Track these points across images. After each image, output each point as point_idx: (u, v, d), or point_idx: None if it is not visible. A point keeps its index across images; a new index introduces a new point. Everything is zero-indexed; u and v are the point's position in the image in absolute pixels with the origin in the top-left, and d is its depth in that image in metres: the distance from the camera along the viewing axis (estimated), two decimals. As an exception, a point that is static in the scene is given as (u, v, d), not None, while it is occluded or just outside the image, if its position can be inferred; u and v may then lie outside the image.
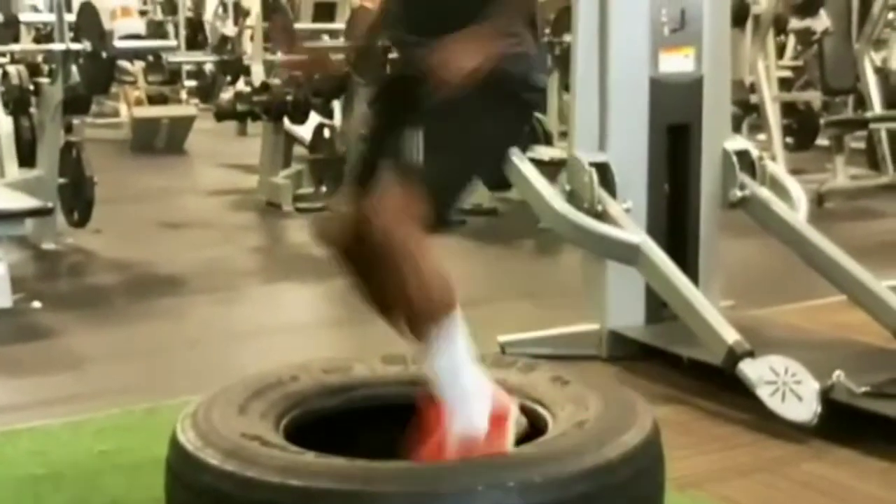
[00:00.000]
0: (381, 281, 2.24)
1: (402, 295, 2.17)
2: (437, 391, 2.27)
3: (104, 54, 5.90)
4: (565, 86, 6.99)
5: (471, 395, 2.27)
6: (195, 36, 9.93)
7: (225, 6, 11.87)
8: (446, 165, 2.20)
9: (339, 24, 8.07)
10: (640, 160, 3.85)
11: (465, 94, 2.13)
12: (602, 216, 3.67)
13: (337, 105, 7.56)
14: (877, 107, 7.67)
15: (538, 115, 7.27)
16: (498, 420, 2.30)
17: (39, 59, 6.76)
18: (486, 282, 5.04)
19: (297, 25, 7.95)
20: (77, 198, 6.11)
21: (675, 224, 3.94)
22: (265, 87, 7.50)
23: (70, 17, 6.23)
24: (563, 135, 6.69)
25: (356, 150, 2.48)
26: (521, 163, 3.78)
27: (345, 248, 2.30)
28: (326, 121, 7.45)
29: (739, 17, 7.08)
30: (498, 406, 2.32)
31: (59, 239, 6.09)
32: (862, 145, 8.02)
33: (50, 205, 5.48)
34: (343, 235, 2.30)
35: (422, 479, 2.11)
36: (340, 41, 7.57)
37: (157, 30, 11.00)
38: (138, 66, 9.84)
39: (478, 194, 6.37)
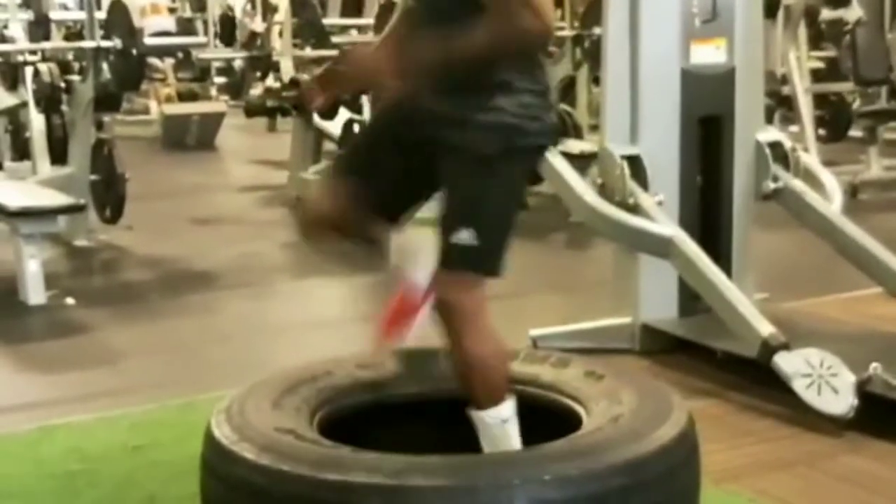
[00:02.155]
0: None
1: (458, 362, 2.32)
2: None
3: (134, 51, 5.93)
4: (595, 79, 6.97)
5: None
6: (227, 32, 9.95)
7: (253, 2, 11.90)
8: (493, 233, 2.28)
9: (367, 20, 8.06)
10: (672, 152, 3.83)
11: (485, 155, 2.23)
12: (634, 209, 3.66)
13: (366, 100, 7.55)
14: (910, 97, 7.61)
15: (568, 108, 7.27)
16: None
17: (70, 56, 6.78)
18: (517, 275, 4.99)
19: (326, 21, 7.96)
20: (109, 194, 6.14)
21: (707, 216, 3.92)
22: (294, 82, 7.50)
23: (100, 15, 6.25)
24: (594, 128, 6.67)
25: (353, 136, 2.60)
26: (552, 156, 3.77)
27: (319, 236, 2.54)
28: (356, 116, 7.45)
29: (771, 7, 7.02)
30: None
31: (91, 236, 6.12)
32: (895, 136, 7.96)
33: (82, 202, 5.51)
34: (317, 226, 2.52)
35: (458, 474, 2.10)
36: (369, 36, 7.57)
37: (186, 27, 11.03)
38: (168, 62, 9.89)
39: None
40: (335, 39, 7.84)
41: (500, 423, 2.31)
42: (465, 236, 2.23)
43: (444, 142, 2.27)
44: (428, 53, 2.20)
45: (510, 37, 2.15)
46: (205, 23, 11.98)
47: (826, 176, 4.05)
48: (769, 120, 5.80)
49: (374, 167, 2.43)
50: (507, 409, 2.32)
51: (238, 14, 9.70)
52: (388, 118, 2.49)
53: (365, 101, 7.48)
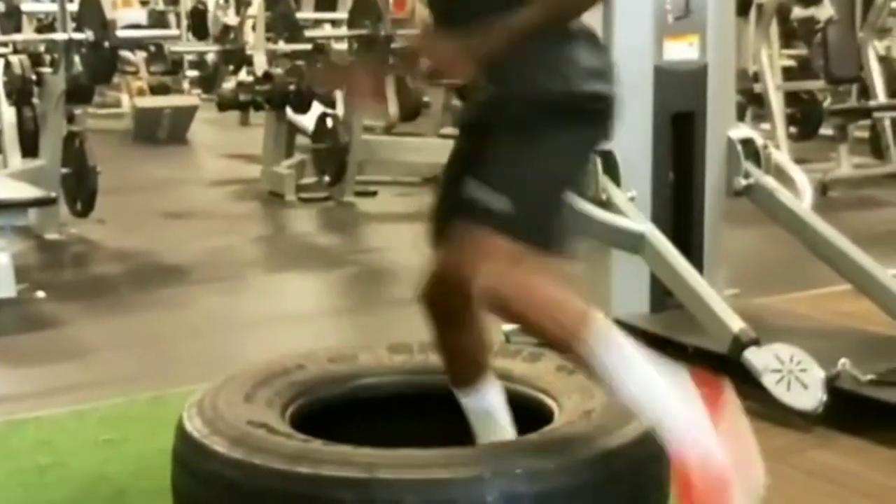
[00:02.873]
0: (454, 335, 2.29)
1: (538, 335, 2.15)
2: (645, 418, 2.10)
3: (106, 44, 5.90)
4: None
5: (673, 408, 2.07)
6: (199, 25, 9.91)
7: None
8: (522, 200, 2.07)
9: (341, 14, 8.04)
10: (645, 148, 3.84)
11: (524, 122, 2.09)
12: (606, 205, 3.66)
13: (339, 94, 7.54)
14: (881, 95, 7.66)
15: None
16: (713, 397, 2.12)
17: (42, 48, 6.74)
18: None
19: (299, 15, 7.94)
20: (80, 188, 6.11)
21: (679, 213, 3.93)
22: (267, 76, 7.48)
23: (72, 7, 6.22)
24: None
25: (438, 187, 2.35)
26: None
27: (432, 300, 2.28)
28: (329, 110, 7.44)
29: (743, 5, 7.06)
30: (706, 387, 2.13)
31: (62, 229, 6.09)
32: (866, 134, 8.01)
33: (53, 195, 5.48)
34: (433, 290, 2.27)
35: (429, 467, 2.10)
36: (343, 30, 7.55)
37: (158, 19, 10.97)
38: (140, 55, 9.82)
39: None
40: (308, 34, 7.81)
41: (604, 349, 2.06)
42: (489, 197, 2.04)
43: (492, 117, 2.15)
44: (491, 38, 2.07)
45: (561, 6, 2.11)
46: (177, 16, 11.92)
47: (797, 173, 4.07)
48: (741, 117, 5.85)
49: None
50: (597, 328, 2.07)
51: (211, 7, 9.66)
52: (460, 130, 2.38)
53: (338, 94, 7.47)
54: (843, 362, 3.17)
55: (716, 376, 2.20)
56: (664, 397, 2.08)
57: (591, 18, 3.73)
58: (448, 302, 2.26)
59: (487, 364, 2.41)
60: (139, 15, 9.84)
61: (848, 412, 3.11)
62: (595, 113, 2.21)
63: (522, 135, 2.10)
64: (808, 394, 3.13)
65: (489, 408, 2.38)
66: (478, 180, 2.09)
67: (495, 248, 2.04)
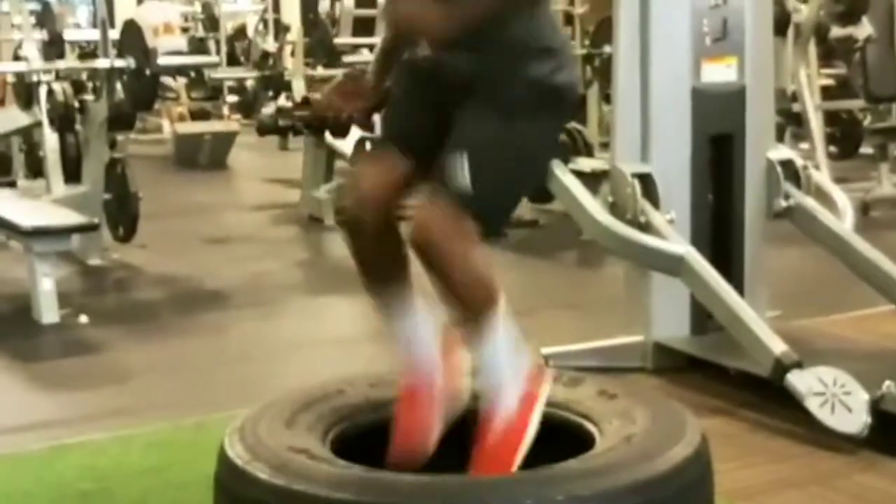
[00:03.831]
0: (383, 257, 2.37)
1: (450, 295, 2.25)
2: (482, 381, 2.36)
3: (148, 71, 5.97)
4: (606, 97, 6.98)
5: (505, 381, 2.33)
6: (238, 52, 10.03)
7: (265, 22, 11.96)
8: (491, 185, 2.22)
9: (378, 39, 8.09)
10: (684, 171, 3.83)
11: (496, 104, 2.21)
12: (645, 227, 3.66)
13: (377, 118, 7.58)
14: (921, 114, 7.60)
15: (578, 126, 7.29)
16: (527, 400, 2.35)
17: (84, 76, 6.83)
18: (528, 293, 5.03)
19: (337, 40, 8.00)
20: (122, 213, 6.17)
21: (719, 234, 3.92)
22: (306, 101, 7.53)
23: (114, 35, 6.30)
24: (605, 146, 6.68)
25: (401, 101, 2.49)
26: (562, 174, 3.77)
27: (355, 225, 2.36)
28: (367, 134, 7.47)
29: (781, 25, 7.03)
30: (528, 386, 2.36)
31: (104, 254, 6.15)
32: (906, 153, 7.94)
33: (96, 220, 5.54)
34: (356, 212, 2.35)
35: (471, 494, 2.10)
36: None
37: (198, 46, 11.10)
38: (181, 82, 9.94)
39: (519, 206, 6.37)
40: (346, 59, 7.87)
41: (500, 326, 2.28)
42: (461, 172, 2.17)
43: (461, 94, 2.25)
44: (456, 9, 2.19)
45: None
46: (217, 42, 12.05)
47: (837, 193, 4.05)
48: (780, 138, 5.81)
49: (407, 128, 2.42)
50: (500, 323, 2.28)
51: (250, 34, 9.75)
52: (411, 81, 2.45)
53: (377, 119, 7.50)
54: (888, 385, 3.13)
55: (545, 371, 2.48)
56: (506, 371, 2.33)
57: (629, 42, 3.77)
58: (375, 228, 2.33)
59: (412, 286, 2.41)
60: (180, 42, 9.93)
61: (894, 435, 3.08)
62: (565, 103, 2.34)
63: (503, 119, 2.21)
64: (852, 417, 3.10)
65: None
66: (451, 150, 2.20)
67: (446, 211, 2.17)
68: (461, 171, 2.18)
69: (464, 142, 2.22)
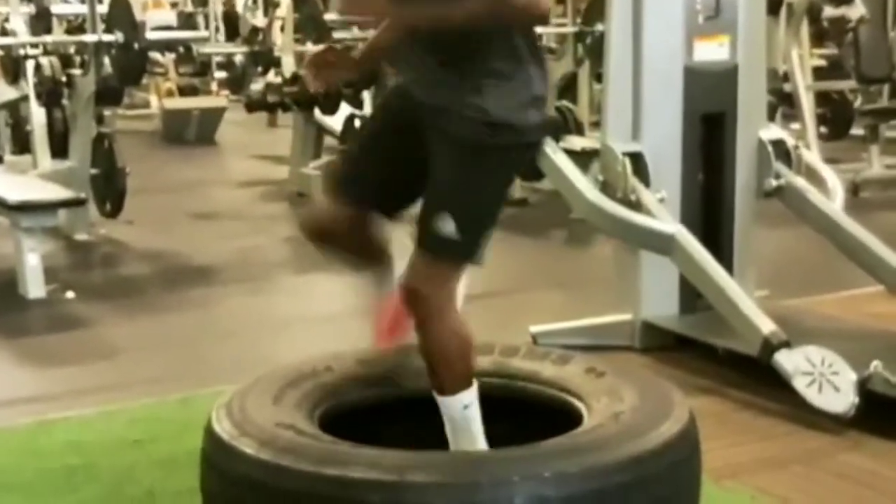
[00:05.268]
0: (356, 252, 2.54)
1: (431, 354, 2.34)
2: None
3: (136, 45, 5.92)
4: (597, 75, 6.96)
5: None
6: (230, 28, 9.96)
7: (255, -2, 11.87)
8: (476, 224, 2.30)
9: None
10: (675, 149, 3.82)
11: (475, 145, 2.23)
12: (636, 206, 3.65)
13: (367, 95, 7.55)
14: (912, 96, 7.59)
15: (569, 105, 7.26)
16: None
17: (72, 50, 6.77)
18: (517, 272, 5.02)
19: (327, 16, 7.94)
20: (109, 188, 6.14)
21: (709, 214, 3.92)
22: (295, 77, 7.49)
23: (102, 9, 6.24)
24: (595, 125, 6.66)
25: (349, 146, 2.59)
26: (553, 153, 3.76)
27: (321, 238, 2.52)
28: (357, 111, 7.44)
29: (773, 5, 7.00)
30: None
31: (91, 230, 6.12)
32: (897, 134, 7.95)
33: (83, 196, 5.51)
34: (319, 228, 2.50)
35: (458, 469, 2.10)
36: (370, 32, 7.55)
37: (187, 21, 11.02)
38: (169, 57, 9.86)
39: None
40: (337, 35, 7.82)
41: (461, 409, 2.34)
42: (444, 225, 2.24)
43: (435, 129, 2.28)
44: (423, 9, 2.20)
45: (503, 9, 2.17)
46: (206, 17, 11.97)
47: (828, 173, 4.05)
48: (771, 117, 5.80)
49: (374, 157, 2.44)
50: (469, 396, 2.35)
51: (240, 9, 9.69)
52: (386, 110, 2.52)
53: (366, 95, 7.47)
54: (875, 364, 3.14)
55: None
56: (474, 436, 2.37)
57: (622, 19, 3.75)
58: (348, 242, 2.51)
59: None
60: (169, 16, 9.87)
61: (880, 415, 3.09)
62: (535, 140, 2.37)
63: (472, 159, 2.25)
64: (839, 396, 3.10)
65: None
66: (430, 201, 2.29)
67: (436, 267, 2.28)
68: (445, 221, 2.24)
69: (444, 192, 2.28)
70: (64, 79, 6.23)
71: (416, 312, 2.31)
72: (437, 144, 2.29)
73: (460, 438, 2.35)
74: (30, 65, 6.31)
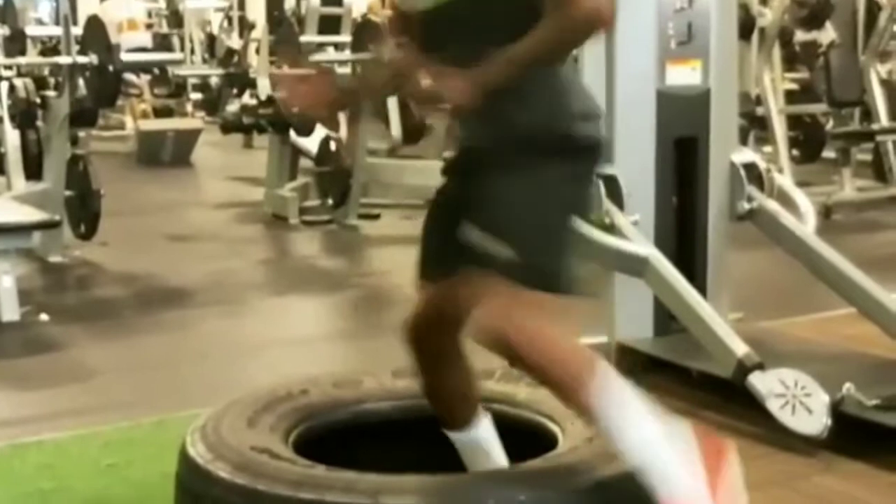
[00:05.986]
0: (443, 375, 2.32)
1: (544, 381, 2.14)
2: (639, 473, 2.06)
3: (111, 67, 5.92)
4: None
5: (670, 466, 2.05)
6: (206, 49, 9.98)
7: (230, 19, 11.90)
8: (524, 245, 2.06)
9: (344, 37, 8.07)
10: (648, 173, 3.84)
11: (519, 163, 2.07)
12: (610, 229, 3.67)
13: (343, 118, 7.56)
14: (883, 119, 7.67)
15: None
16: (713, 456, 2.10)
17: (46, 72, 6.77)
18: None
19: (303, 38, 7.96)
20: (84, 210, 6.12)
21: (683, 236, 3.94)
22: (271, 99, 7.50)
23: (77, 31, 6.24)
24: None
25: (426, 228, 2.32)
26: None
27: (418, 340, 2.31)
28: (332, 133, 7.46)
29: (745, 29, 7.08)
30: (707, 446, 2.11)
31: (66, 252, 6.09)
32: (868, 157, 8.02)
33: (57, 217, 5.48)
34: (421, 332, 2.30)
35: (433, 494, 2.10)
36: (346, 54, 7.57)
37: (162, 42, 11.02)
38: (144, 78, 9.86)
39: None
40: (312, 57, 7.84)
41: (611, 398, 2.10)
42: (500, 248, 2.03)
43: (488, 157, 2.12)
44: (492, 67, 2.04)
45: (577, 26, 2.04)
46: (181, 39, 11.98)
47: (800, 197, 4.07)
48: (743, 141, 5.86)
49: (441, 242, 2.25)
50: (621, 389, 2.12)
51: (215, 31, 9.70)
52: (434, 208, 2.33)
53: (342, 118, 7.49)
54: (848, 387, 3.16)
55: (719, 437, 2.18)
56: (661, 455, 2.06)
57: (594, 44, 3.77)
58: (436, 343, 2.30)
59: (476, 400, 2.40)
60: (144, 38, 9.87)
61: (852, 437, 3.10)
62: (587, 153, 2.18)
63: (518, 176, 2.08)
64: (812, 418, 3.12)
65: (481, 442, 2.37)
66: (477, 226, 2.07)
67: (502, 293, 2.03)
68: (492, 242, 2.04)
69: (483, 212, 2.08)
70: (38, 100, 6.22)
71: (493, 343, 2.06)
72: (484, 173, 2.11)
73: (627, 431, 2.09)
74: (4, 86, 6.29)
